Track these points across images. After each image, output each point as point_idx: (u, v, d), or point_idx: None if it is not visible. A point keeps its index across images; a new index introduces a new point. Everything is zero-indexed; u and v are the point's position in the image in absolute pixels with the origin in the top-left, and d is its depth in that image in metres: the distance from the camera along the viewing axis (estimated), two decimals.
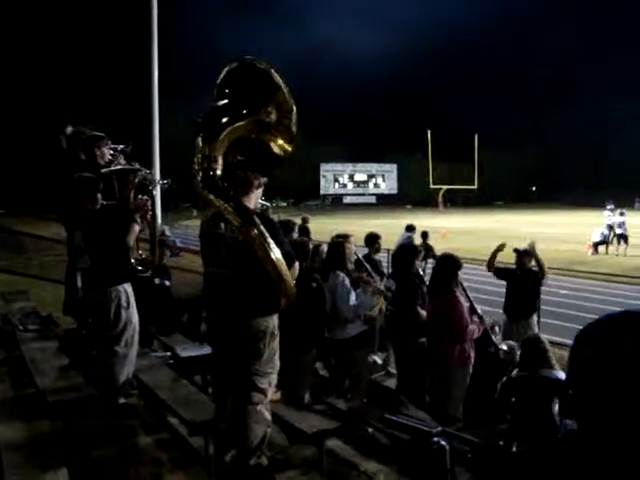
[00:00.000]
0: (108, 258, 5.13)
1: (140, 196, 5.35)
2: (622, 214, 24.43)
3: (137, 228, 5.26)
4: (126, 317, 5.17)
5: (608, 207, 26.46)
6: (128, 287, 5.23)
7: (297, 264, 3.83)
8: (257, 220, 3.54)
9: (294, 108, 3.84)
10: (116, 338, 5.15)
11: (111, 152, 6.12)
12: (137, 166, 5.58)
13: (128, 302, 5.19)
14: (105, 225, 5.17)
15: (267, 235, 3.51)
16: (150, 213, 5.56)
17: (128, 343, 5.20)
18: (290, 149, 3.88)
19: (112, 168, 5.63)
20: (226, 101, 3.78)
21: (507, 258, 9.20)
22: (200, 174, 3.59)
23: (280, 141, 3.85)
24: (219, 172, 3.59)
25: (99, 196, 5.26)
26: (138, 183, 5.37)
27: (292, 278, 3.69)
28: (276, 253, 3.52)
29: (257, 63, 3.81)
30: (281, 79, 3.78)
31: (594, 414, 1.18)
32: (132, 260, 5.54)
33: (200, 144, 3.61)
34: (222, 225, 3.78)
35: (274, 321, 3.84)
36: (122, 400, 5.16)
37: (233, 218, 3.57)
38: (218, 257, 3.85)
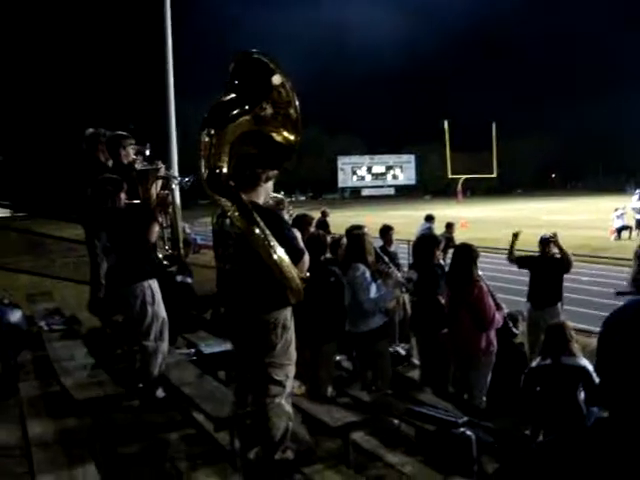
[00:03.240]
0: (132, 255, 5.20)
1: (161, 191, 5.44)
2: None
3: (157, 226, 5.35)
4: (152, 312, 5.21)
5: (637, 191, 26.01)
6: (153, 283, 5.27)
7: (307, 257, 3.80)
8: (259, 219, 3.52)
9: (295, 100, 3.71)
10: (144, 334, 5.20)
11: (135, 151, 6.18)
12: (160, 164, 5.65)
13: (153, 297, 5.23)
14: (129, 223, 5.25)
15: (269, 234, 3.50)
16: (171, 207, 5.65)
17: (157, 338, 5.25)
18: (293, 138, 3.75)
19: (138, 168, 5.72)
20: (232, 96, 3.70)
21: (527, 245, 9.13)
22: (206, 173, 3.57)
23: (284, 132, 3.74)
24: (225, 170, 3.55)
25: (123, 196, 5.33)
26: (158, 180, 5.45)
27: (301, 271, 3.68)
28: (279, 252, 3.52)
29: (260, 56, 3.67)
30: (281, 74, 3.64)
31: (626, 402, 1.15)
32: (159, 255, 5.62)
33: (206, 140, 3.57)
34: (227, 222, 3.77)
35: (285, 313, 3.81)
36: (161, 394, 5.21)
37: (235, 218, 3.57)
38: (227, 254, 3.88)
